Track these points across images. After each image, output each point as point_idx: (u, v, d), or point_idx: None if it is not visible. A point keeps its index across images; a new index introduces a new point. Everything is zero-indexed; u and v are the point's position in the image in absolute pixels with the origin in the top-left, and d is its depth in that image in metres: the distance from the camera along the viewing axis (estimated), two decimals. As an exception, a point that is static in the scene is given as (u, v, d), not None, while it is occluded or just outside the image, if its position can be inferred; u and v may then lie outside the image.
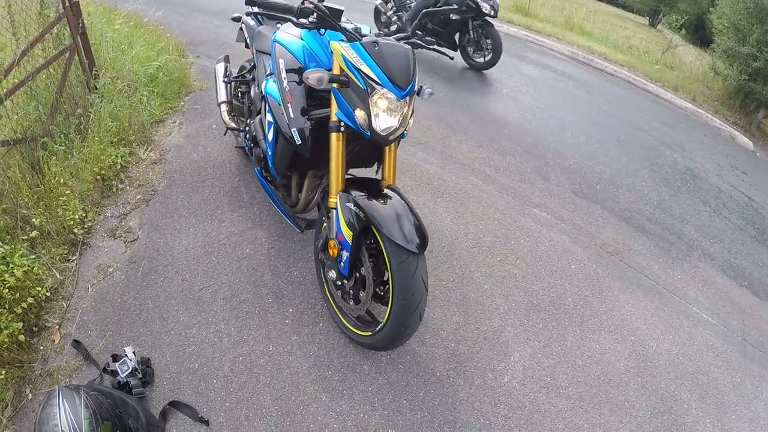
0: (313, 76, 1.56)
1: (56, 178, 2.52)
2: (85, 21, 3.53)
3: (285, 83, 1.78)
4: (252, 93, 2.52)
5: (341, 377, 1.82)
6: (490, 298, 2.33)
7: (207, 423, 1.64)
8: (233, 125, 2.81)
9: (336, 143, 1.67)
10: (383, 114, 1.58)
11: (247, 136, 2.42)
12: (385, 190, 1.70)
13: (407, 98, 1.60)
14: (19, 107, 2.84)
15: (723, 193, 4.28)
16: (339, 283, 1.81)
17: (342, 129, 1.65)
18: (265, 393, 1.74)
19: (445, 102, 4.68)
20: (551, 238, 2.84)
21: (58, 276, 2.11)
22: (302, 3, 1.63)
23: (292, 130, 1.74)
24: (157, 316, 1.99)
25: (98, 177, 2.67)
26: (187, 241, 2.36)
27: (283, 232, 2.46)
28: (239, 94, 2.81)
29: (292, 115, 1.74)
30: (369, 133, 1.59)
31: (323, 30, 1.72)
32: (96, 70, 3.60)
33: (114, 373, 1.71)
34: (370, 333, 1.74)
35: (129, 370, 1.72)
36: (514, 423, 1.77)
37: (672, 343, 2.36)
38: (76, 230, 2.32)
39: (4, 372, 1.69)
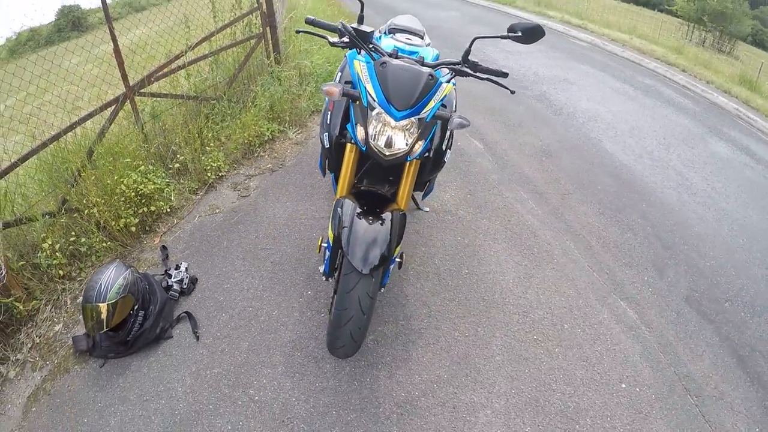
0: (326, 87, 1.62)
1: (211, 133, 3.42)
2: (280, 15, 4.40)
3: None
4: None
5: (305, 358, 2.08)
6: (489, 373, 2.14)
7: (197, 338, 2.14)
8: None
9: (348, 153, 1.81)
10: (380, 133, 1.61)
11: None
12: (384, 214, 1.70)
13: (407, 120, 1.59)
14: (201, 74, 3.87)
15: None
16: (323, 278, 1.93)
17: (352, 140, 1.76)
18: (245, 340, 2.15)
19: (592, 154, 4.26)
20: (619, 342, 2.41)
21: (181, 201, 3.01)
22: (341, 25, 1.79)
23: (323, 135, 1.95)
24: (223, 254, 2.60)
25: (247, 141, 3.48)
26: (278, 211, 2.92)
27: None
28: None
29: (328, 122, 1.93)
30: (365, 149, 1.67)
31: (358, 49, 1.88)
32: (278, 57, 4.34)
33: (168, 275, 2.35)
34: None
35: (178, 279, 2.33)
36: None
37: None
38: (209, 174, 3.17)
39: (114, 244, 2.60)
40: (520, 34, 1.73)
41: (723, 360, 2.49)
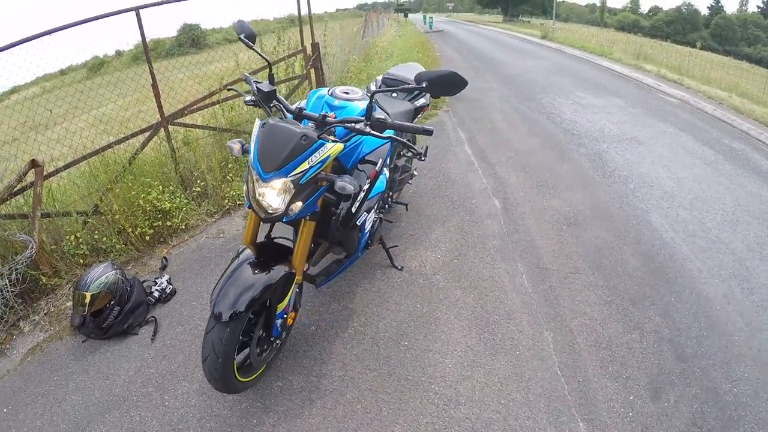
0: (229, 143, 1.79)
1: (234, 165, 3.81)
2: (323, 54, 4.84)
3: None
4: None
5: None
6: None
7: (152, 341, 2.50)
8: None
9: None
10: (257, 192, 1.64)
11: None
12: (275, 267, 1.77)
13: (280, 181, 1.59)
14: (237, 109, 4.37)
15: None
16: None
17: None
18: (183, 353, 2.39)
19: (628, 227, 3.60)
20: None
21: (198, 222, 3.44)
22: (251, 83, 1.89)
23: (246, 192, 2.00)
24: (207, 275, 2.87)
25: None
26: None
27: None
28: None
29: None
30: (249, 205, 1.72)
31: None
32: None
33: (155, 283, 2.81)
34: None
35: (160, 287, 2.77)
36: None
37: None
38: (226, 202, 3.57)
39: (128, 248, 3.14)
40: (425, 85, 1.64)
41: None
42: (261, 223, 1.90)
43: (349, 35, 9.09)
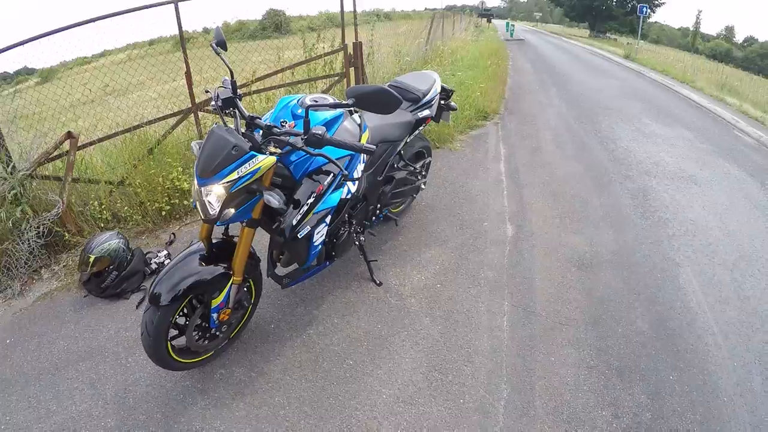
0: (193, 144, 1.84)
1: None
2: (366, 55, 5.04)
3: None
4: None
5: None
6: None
7: (137, 307, 2.67)
8: None
9: None
10: (201, 195, 1.66)
11: None
12: (219, 265, 1.90)
13: (213, 186, 1.61)
14: (272, 100, 4.52)
15: None
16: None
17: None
18: None
19: (647, 280, 3.12)
20: None
21: None
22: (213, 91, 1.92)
23: None
24: None
25: None
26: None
27: None
28: None
29: None
30: (194, 204, 1.76)
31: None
32: None
33: (156, 255, 3.01)
34: None
35: (159, 260, 2.96)
36: None
37: None
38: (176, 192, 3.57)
39: (144, 220, 3.39)
40: (351, 101, 1.64)
41: None
42: None
43: (413, 36, 8.84)
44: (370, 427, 1.96)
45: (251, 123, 1.82)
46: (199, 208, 1.72)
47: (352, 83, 5.29)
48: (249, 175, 1.64)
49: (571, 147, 5.73)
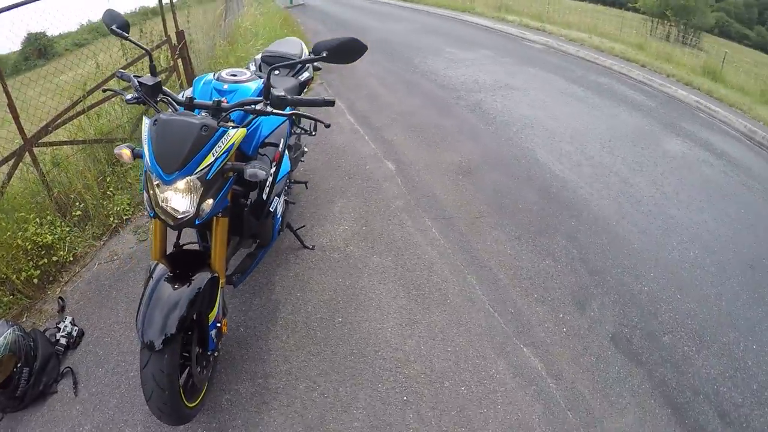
0: (118, 151, 1.68)
1: (110, 178, 3.53)
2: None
3: None
4: None
5: None
6: None
7: (76, 394, 2.20)
8: None
9: (153, 217, 1.74)
10: (160, 198, 1.58)
11: None
12: (195, 276, 1.70)
13: (184, 181, 1.53)
14: (105, 116, 4.04)
15: None
16: None
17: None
18: (114, 397, 2.13)
19: (519, 167, 4.00)
20: (514, 402, 2.05)
21: (86, 249, 3.10)
22: (131, 79, 1.77)
23: (145, 200, 1.90)
24: (111, 305, 2.61)
25: None
26: None
27: None
28: None
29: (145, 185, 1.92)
30: (152, 214, 1.64)
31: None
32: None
33: (57, 329, 2.48)
34: None
35: (65, 333, 2.47)
36: None
37: None
38: (112, 219, 3.29)
39: (17, 298, 2.71)
40: (325, 54, 1.67)
41: (654, 412, 2.14)
42: (167, 232, 1.83)
43: (212, 19, 8.61)
44: (398, 357, 2.25)
45: (191, 105, 1.75)
46: (165, 214, 1.60)
47: (183, 77, 5.14)
48: (225, 154, 1.59)
49: (401, 86, 6.58)
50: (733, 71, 8.57)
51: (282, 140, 2.19)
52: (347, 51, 1.66)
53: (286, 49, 3.25)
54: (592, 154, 4.38)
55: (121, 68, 3.90)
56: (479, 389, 2.09)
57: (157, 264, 1.71)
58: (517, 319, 2.48)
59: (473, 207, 3.45)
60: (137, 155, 1.67)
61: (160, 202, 1.58)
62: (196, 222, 1.63)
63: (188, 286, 1.64)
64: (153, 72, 1.79)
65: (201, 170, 1.54)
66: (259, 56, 3.23)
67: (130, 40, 1.83)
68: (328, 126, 1.90)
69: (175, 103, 1.74)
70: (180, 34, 4.86)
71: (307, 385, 2.12)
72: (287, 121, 2.31)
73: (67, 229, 3.14)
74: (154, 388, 1.58)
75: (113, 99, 3.92)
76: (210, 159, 1.55)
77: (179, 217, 1.59)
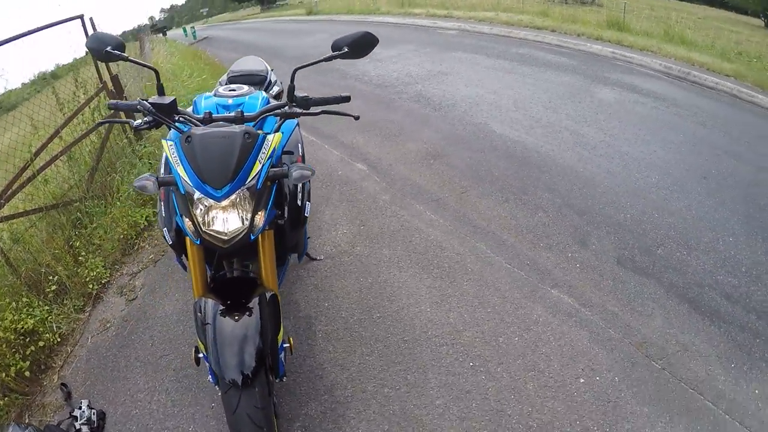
0: (138, 184, 1.46)
1: (80, 241, 3.31)
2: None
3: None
4: None
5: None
6: (434, 422, 1.92)
7: None
8: None
9: (190, 247, 1.64)
10: (218, 218, 1.47)
11: None
12: (251, 302, 1.58)
13: (235, 195, 1.45)
14: (58, 176, 3.77)
15: None
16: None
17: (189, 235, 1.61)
18: None
19: (481, 144, 4.30)
20: (563, 335, 2.30)
21: (71, 325, 2.83)
22: (138, 104, 1.62)
23: (163, 229, 1.78)
24: (124, 375, 2.41)
25: (123, 236, 3.35)
26: (169, 307, 2.75)
27: None
28: None
29: (163, 214, 1.79)
30: (199, 241, 1.52)
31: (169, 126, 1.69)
32: (138, 133, 4.23)
33: (75, 418, 2.19)
34: None
35: (84, 419, 2.19)
36: None
37: None
38: (90, 286, 3.01)
39: (11, 398, 2.39)
40: (346, 50, 1.71)
41: (675, 310, 2.48)
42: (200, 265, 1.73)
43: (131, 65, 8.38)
44: (447, 330, 2.39)
45: (212, 119, 1.65)
46: (215, 238, 1.51)
47: (123, 117, 5.04)
48: (269, 161, 1.53)
49: (337, 91, 6.77)
50: (635, 19, 9.50)
51: (299, 145, 2.20)
52: (363, 45, 1.69)
53: (251, 66, 3.23)
54: (538, 116, 4.80)
55: (61, 126, 3.76)
56: (530, 335, 2.32)
57: (204, 300, 1.59)
58: (535, 268, 2.75)
59: (455, 184, 3.70)
60: (162, 183, 1.53)
61: (208, 224, 1.49)
62: (251, 238, 1.56)
63: (250, 315, 1.55)
64: (161, 92, 1.70)
65: (251, 180, 1.47)
66: (225, 77, 3.24)
67: (132, 61, 1.73)
68: (357, 118, 1.91)
69: (194, 121, 1.65)
70: (115, 79, 4.76)
71: (375, 385, 2.15)
72: (298, 127, 2.32)
73: (47, 307, 2.87)
74: (251, 428, 1.47)
75: (59, 160, 3.66)
76: (258, 167, 1.49)
77: (234, 235, 1.50)
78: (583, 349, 2.23)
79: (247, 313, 1.54)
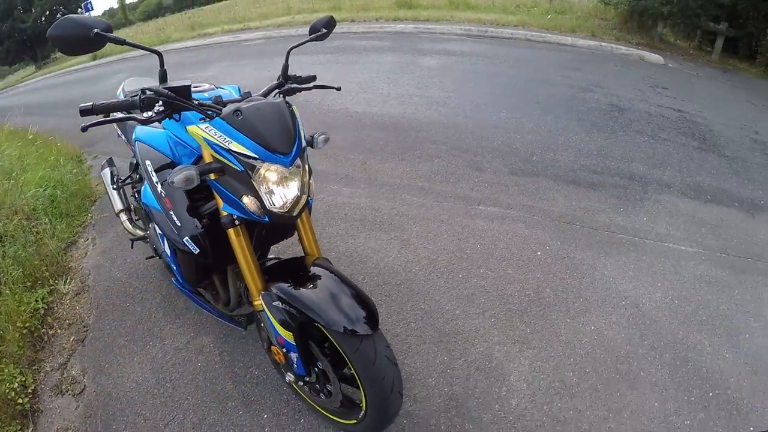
0: (179, 177, 1.37)
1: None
2: None
3: (159, 188, 1.66)
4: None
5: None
6: (466, 323, 2.33)
7: None
8: (140, 233, 2.64)
9: (237, 239, 1.56)
10: (277, 190, 1.46)
11: (150, 244, 2.29)
12: (312, 269, 1.61)
13: (298, 161, 1.46)
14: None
15: (654, 116, 4.62)
16: (300, 383, 1.77)
17: (237, 222, 1.55)
18: None
19: (352, 125, 4.77)
20: (507, 231, 2.93)
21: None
22: (142, 93, 1.43)
23: (184, 240, 1.63)
24: None
25: (25, 331, 2.67)
26: (136, 374, 2.30)
27: (229, 332, 2.39)
28: (136, 196, 2.65)
29: (178, 223, 1.62)
30: (267, 218, 1.46)
31: (177, 115, 1.54)
32: None
33: None
34: (355, 421, 1.69)
35: None
36: (540, 447, 1.78)
37: (663, 291, 2.48)
38: (20, 400, 2.30)
39: None
40: (325, 30, 1.88)
41: (566, 190, 3.36)
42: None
43: None
44: (423, 263, 2.74)
45: (224, 102, 1.60)
46: (283, 209, 1.48)
47: None
48: (302, 127, 1.55)
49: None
50: None
51: None
52: (331, 25, 1.91)
53: (141, 84, 3.03)
54: (386, 92, 5.48)
55: None
56: (486, 240, 2.87)
57: (274, 289, 1.56)
58: (458, 197, 3.34)
59: (352, 159, 4.09)
60: (204, 172, 1.46)
61: (281, 196, 1.47)
62: (309, 203, 1.58)
63: (329, 273, 1.58)
64: (164, 77, 1.56)
65: (304, 146, 1.52)
66: (120, 90, 3.03)
67: (129, 44, 1.46)
68: (338, 89, 2.03)
69: (210, 106, 1.53)
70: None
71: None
72: None
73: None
74: (393, 371, 1.52)
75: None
76: (303, 133, 1.53)
77: (299, 202, 1.51)
78: (526, 235, 2.88)
79: (322, 275, 1.57)
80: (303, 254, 1.77)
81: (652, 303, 2.41)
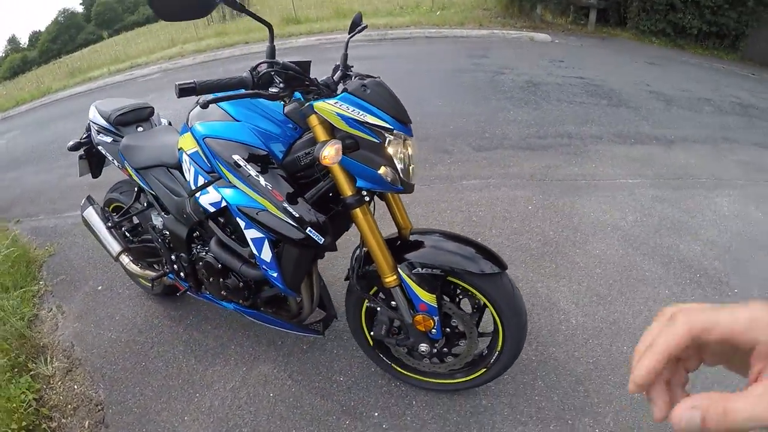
0: (329, 152, 1.37)
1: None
2: None
3: (262, 181, 1.59)
4: (157, 222, 2.32)
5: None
6: (509, 273, 2.81)
7: None
8: (150, 272, 2.44)
9: (365, 218, 1.57)
10: (407, 159, 1.53)
11: (183, 274, 2.23)
12: (421, 237, 1.74)
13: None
14: None
15: (564, 86, 5.48)
16: (432, 349, 1.84)
17: (367, 198, 1.58)
18: None
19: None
20: (497, 196, 3.45)
21: None
22: (256, 67, 1.39)
23: (308, 231, 1.57)
24: None
25: (24, 425, 2.20)
26: None
27: (288, 348, 2.32)
28: (131, 235, 2.60)
29: (296, 214, 1.56)
30: (402, 188, 1.52)
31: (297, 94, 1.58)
32: None
33: None
34: (485, 369, 1.87)
35: None
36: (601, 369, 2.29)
37: (632, 214, 3.16)
38: None
39: None
40: (364, 24, 1.93)
41: (525, 155, 3.97)
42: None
43: None
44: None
45: (338, 81, 1.67)
46: (412, 175, 1.56)
47: None
48: None
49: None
50: (303, 8, 11.27)
51: None
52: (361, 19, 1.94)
53: (125, 103, 2.39)
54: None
55: None
56: (485, 211, 3.37)
57: (407, 264, 1.65)
58: (440, 178, 3.80)
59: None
60: (346, 147, 1.48)
61: (405, 163, 1.53)
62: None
63: (439, 235, 1.72)
64: (272, 53, 1.51)
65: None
66: (94, 111, 2.72)
67: (246, 11, 1.40)
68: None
69: (325, 86, 1.57)
70: None
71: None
72: None
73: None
74: (521, 299, 1.71)
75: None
76: None
77: (415, 174, 1.59)
78: (513, 195, 3.44)
79: (436, 237, 1.72)
80: (396, 230, 1.84)
81: (629, 224, 3.06)
